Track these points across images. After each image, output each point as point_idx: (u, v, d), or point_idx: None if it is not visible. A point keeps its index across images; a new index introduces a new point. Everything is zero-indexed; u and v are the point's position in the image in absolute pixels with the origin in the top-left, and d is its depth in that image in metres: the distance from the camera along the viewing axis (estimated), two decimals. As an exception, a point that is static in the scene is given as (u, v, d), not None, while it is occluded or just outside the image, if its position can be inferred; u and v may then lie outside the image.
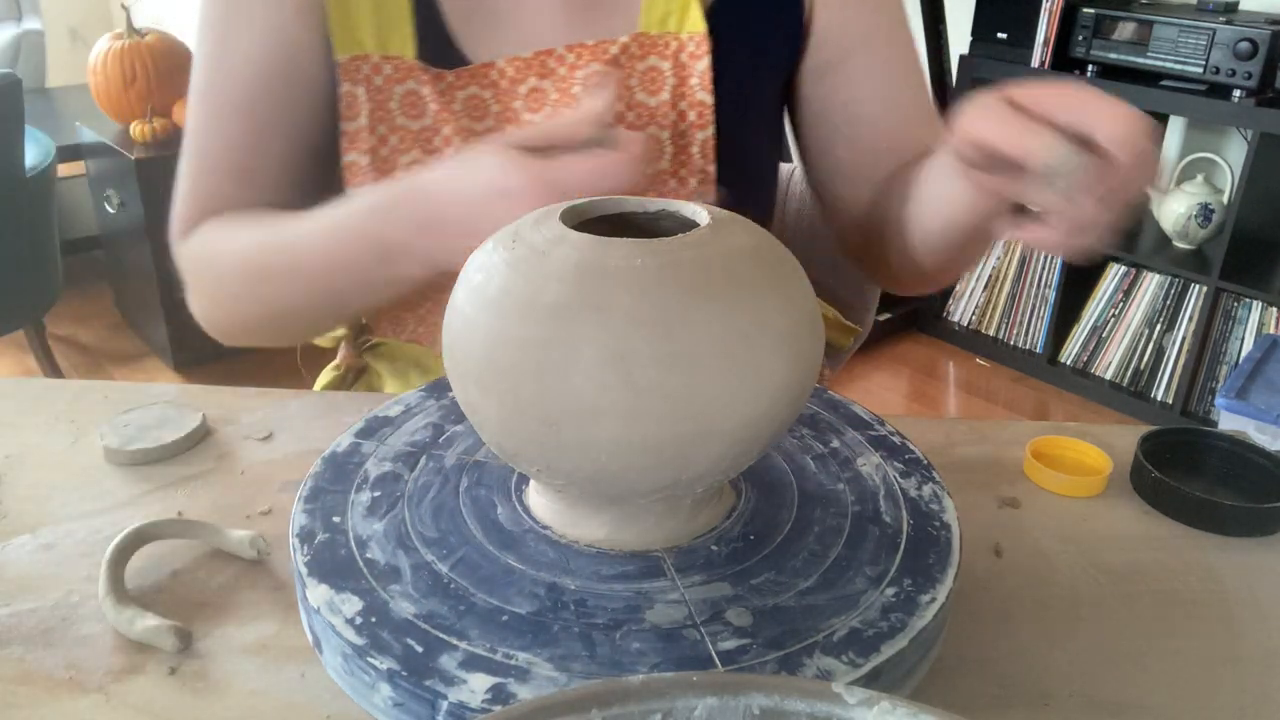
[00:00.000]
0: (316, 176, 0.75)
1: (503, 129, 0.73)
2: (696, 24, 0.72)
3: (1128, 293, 2.54)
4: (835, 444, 0.53)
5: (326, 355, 0.90)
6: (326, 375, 0.87)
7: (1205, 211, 2.37)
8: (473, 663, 0.38)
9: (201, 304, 0.73)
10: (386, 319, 0.83)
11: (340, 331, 0.85)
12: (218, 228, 0.71)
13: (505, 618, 0.40)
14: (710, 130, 0.73)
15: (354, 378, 0.87)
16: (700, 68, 0.72)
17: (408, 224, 0.58)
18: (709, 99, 0.72)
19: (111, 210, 2.40)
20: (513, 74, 0.72)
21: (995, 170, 0.49)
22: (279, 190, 0.74)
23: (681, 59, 0.72)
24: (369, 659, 0.38)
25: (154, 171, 2.23)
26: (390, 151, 0.73)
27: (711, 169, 0.73)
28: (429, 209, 0.58)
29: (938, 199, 0.62)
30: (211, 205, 0.72)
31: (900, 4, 0.79)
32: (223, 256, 0.70)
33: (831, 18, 0.75)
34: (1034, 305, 2.72)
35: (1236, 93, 2.17)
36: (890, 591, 0.42)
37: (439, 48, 0.72)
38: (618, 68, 0.73)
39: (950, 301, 2.89)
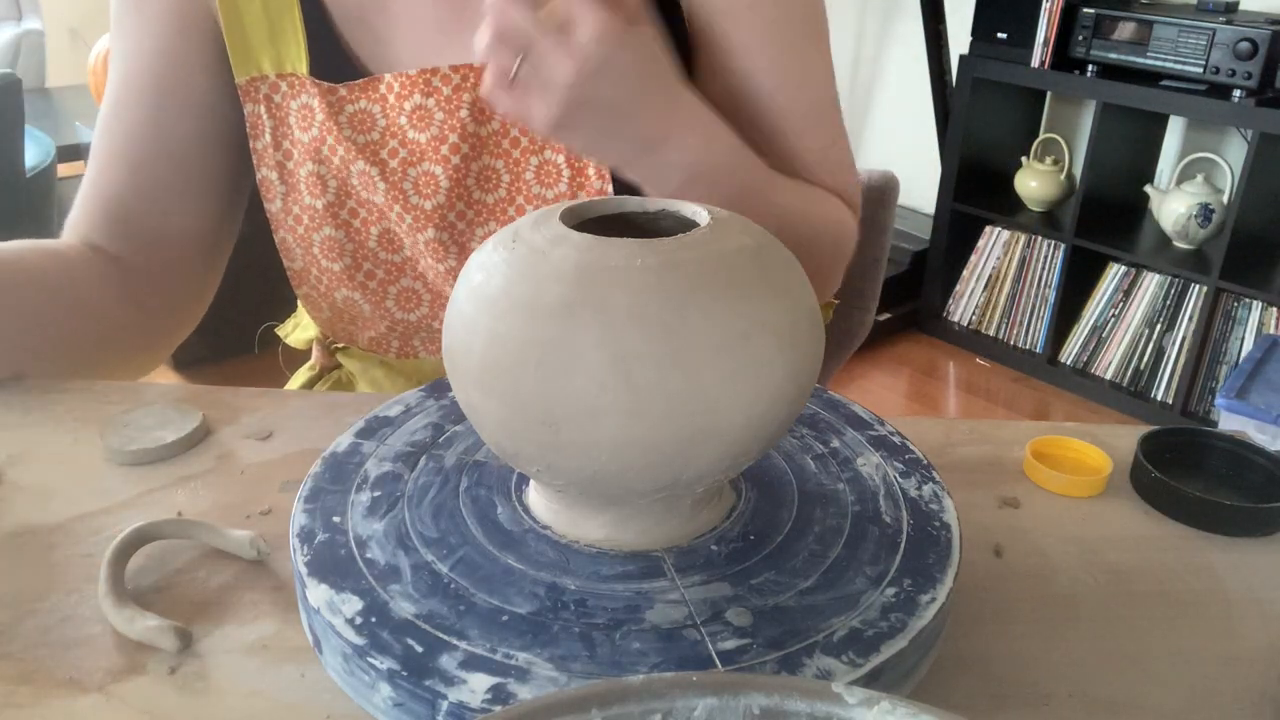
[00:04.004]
0: (221, 188, 0.80)
1: (387, 144, 0.73)
2: None
3: (1128, 293, 2.55)
4: (835, 444, 0.53)
5: (304, 355, 0.92)
6: (302, 375, 0.90)
7: (1205, 211, 2.38)
8: (473, 663, 0.38)
9: None
10: (341, 334, 0.85)
11: (311, 333, 0.88)
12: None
13: (505, 618, 0.40)
14: None
15: (328, 375, 0.90)
16: None
17: None
18: None
19: (111, 210, 2.40)
20: (399, 90, 0.72)
21: None
22: (172, 191, 0.77)
23: None
24: (369, 659, 0.38)
25: (154, 171, 2.23)
26: (294, 165, 0.76)
27: (609, 188, 0.71)
28: None
29: None
30: (109, 193, 0.76)
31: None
32: None
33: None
34: (1034, 305, 2.72)
35: (1236, 93, 2.17)
36: (890, 591, 0.42)
37: (333, 60, 0.73)
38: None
39: (950, 301, 2.89)
